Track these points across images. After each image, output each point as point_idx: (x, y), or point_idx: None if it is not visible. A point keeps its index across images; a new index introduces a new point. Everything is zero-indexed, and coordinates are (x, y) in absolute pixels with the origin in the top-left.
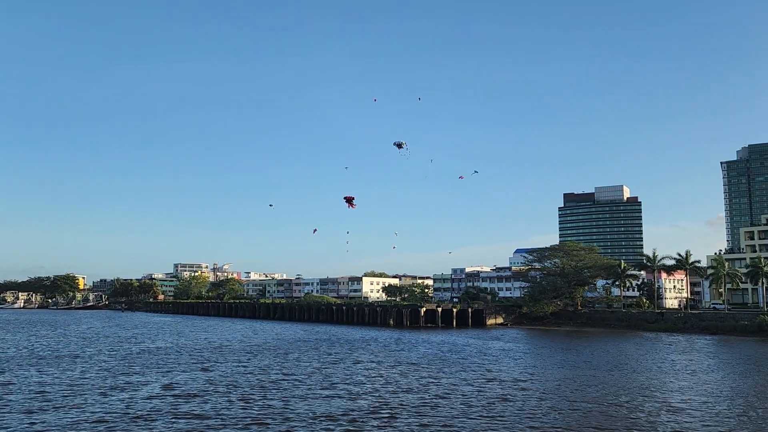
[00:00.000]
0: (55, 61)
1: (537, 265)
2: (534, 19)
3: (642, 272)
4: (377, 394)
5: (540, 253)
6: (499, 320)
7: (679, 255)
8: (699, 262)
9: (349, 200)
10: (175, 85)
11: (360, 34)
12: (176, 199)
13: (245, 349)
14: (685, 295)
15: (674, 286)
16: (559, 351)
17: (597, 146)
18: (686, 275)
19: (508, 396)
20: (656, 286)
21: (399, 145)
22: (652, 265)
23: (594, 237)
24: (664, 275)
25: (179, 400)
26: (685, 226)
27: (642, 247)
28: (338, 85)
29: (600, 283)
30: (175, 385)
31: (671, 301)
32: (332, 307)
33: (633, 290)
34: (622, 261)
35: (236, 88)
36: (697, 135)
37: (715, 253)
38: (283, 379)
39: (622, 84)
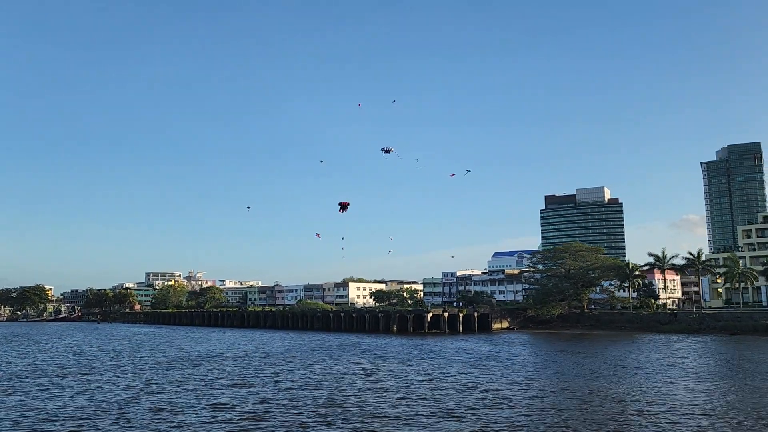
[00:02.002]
0: (24, 65)
1: (542, 267)
2: (510, 20)
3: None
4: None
5: (544, 255)
6: (505, 324)
7: (691, 254)
8: (712, 261)
9: (344, 206)
10: (143, 91)
11: (329, 39)
12: (146, 206)
13: (269, 357)
14: (678, 295)
15: (666, 286)
16: (595, 358)
17: (577, 148)
18: (664, 276)
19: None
20: (664, 286)
21: (387, 151)
22: (662, 265)
23: (576, 239)
24: (658, 275)
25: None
26: (652, 227)
27: (624, 249)
28: (310, 90)
29: (603, 284)
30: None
31: (666, 301)
32: (329, 315)
33: (631, 291)
34: (630, 261)
35: (207, 95)
36: (676, 135)
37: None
38: (360, 395)
39: (600, 85)
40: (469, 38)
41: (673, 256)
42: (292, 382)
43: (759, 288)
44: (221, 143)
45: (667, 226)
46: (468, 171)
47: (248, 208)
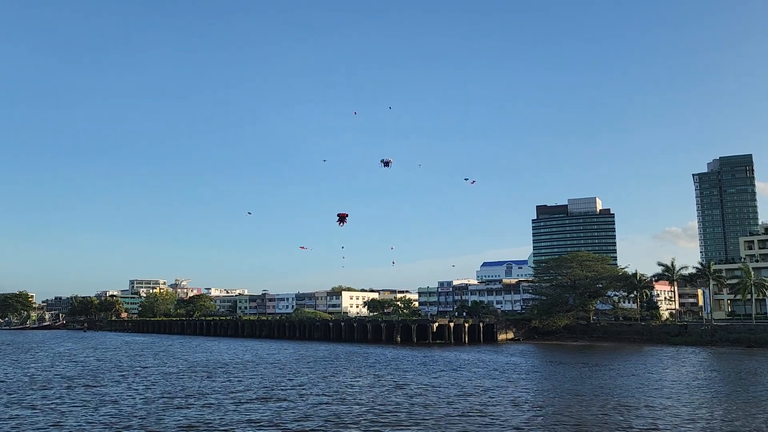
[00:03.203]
0: (4, 72)
1: (547, 277)
2: (499, 31)
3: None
4: None
5: (549, 264)
6: (510, 335)
7: (701, 264)
8: (721, 271)
9: (342, 218)
10: (128, 99)
11: (317, 49)
12: (128, 213)
13: (280, 368)
14: (675, 306)
15: (665, 298)
16: (613, 371)
17: (569, 158)
18: (676, 286)
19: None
20: (673, 296)
21: (386, 163)
22: (671, 276)
23: (568, 249)
24: (659, 286)
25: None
26: (634, 239)
27: (616, 259)
28: (297, 100)
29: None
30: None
31: (663, 313)
32: (328, 324)
33: (630, 302)
34: (637, 270)
35: (194, 104)
36: (668, 147)
37: (703, 263)
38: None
39: (593, 96)
40: (459, 49)
41: (682, 267)
42: (320, 395)
43: (764, 300)
44: (208, 152)
45: (650, 238)
46: (466, 179)
47: (249, 213)
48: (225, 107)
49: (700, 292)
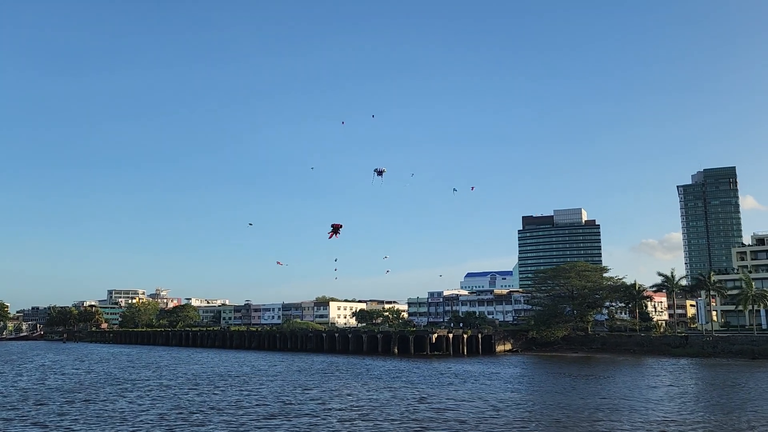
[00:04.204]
0: None
1: (543, 287)
2: (485, 40)
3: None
4: None
5: (546, 274)
6: (508, 346)
7: (701, 275)
8: (721, 282)
9: (336, 229)
10: (104, 102)
11: (303, 60)
12: (106, 222)
13: (285, 381)
14: (665, 317)
15: (655, 308)
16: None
17: (555, 169)
18: (673, 296)
19: None
20: (674, 307)
21: (380, 173)
22: (671, 286)
23: (554, 260)
24: (656, 297)
25: None
26: (612, 250)
27: None
28: (281, 112)
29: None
30: None
31: (660, 323)
32: (322, 335)
33: (624, 313)
34: (636, 281)
35: (178, 115)
36: (651, 157)
37: (703, 274)
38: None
39: (576, 105)
40: (442, 57)
41: (682, 277)
42: (344, 410)
43: (759, 311)
44: (189, 162)
45: (627, 250)
46: (455, 190)
47: (250, 224)
48: (208, 117)
49: (689, 303)
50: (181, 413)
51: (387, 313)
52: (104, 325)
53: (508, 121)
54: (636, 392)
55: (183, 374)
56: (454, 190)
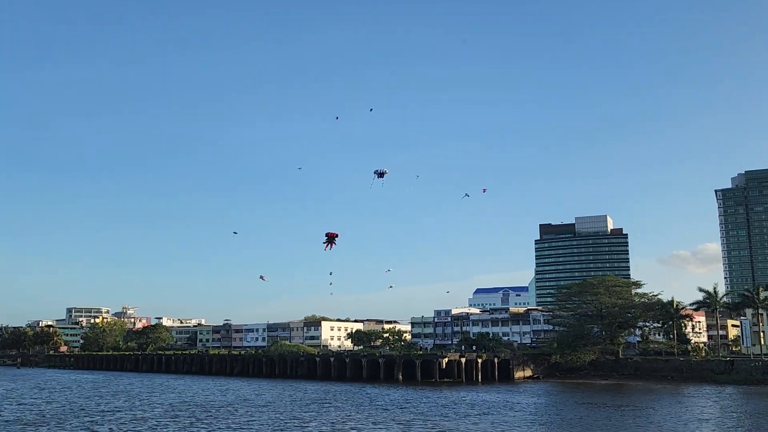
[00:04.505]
0: None
1: (568, 305)
2: (499, 27)
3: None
4: None
5: (571, 290)
6: (528, 372)
7: (748, 291)
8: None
9: (330, 239)
10: (56, 99)
11: (294, 50)
12: (64, 236)
13: (282, 412)
14: (703, 339)
15: (693, 329)
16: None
17: (576, 171)
18: (716, 315)
19: None
20: (717, 328)
21: (381, 174)
22: (714, 303)
23: (576, 274)
24: (695, 317)
25: None
26: (637, 263)
27: None
28: (265, 109)
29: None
30: None
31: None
32: (315, 359)
33: (658, 334)
34: (674, 297)
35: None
36: (684, 158)
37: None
38: None
39: (599, 99)
40: (448, 44)
41: (726, 293)
42: None
43: None
44: (160, 165)
45: (654, 262)
46: (466, 195)
47: (234, 233)
48: (182, 114)
49: (730, 323)
50: None
51: (387, 335)
52: (63, 348)
53: (524, 116)
54: (682, 426)
55: (159, 404)
56: (466, 195)
